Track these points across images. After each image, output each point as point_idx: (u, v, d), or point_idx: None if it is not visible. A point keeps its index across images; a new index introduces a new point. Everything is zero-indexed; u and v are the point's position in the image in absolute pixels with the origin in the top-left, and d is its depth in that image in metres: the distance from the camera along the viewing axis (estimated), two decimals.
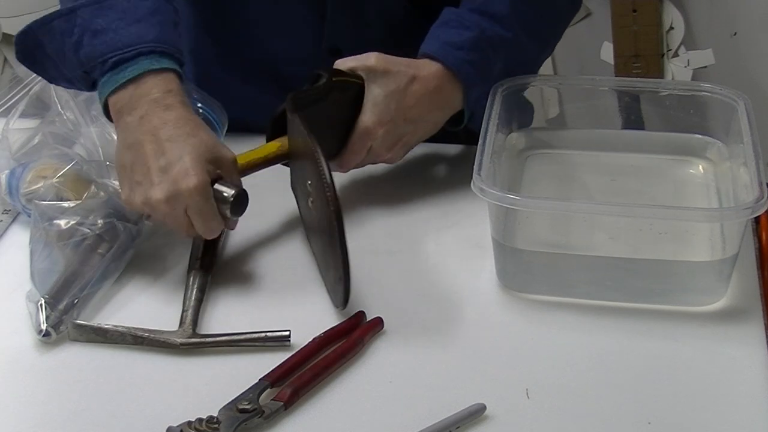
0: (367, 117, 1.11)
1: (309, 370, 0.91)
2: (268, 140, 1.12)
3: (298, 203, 1.14)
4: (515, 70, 1.18)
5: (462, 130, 1.19)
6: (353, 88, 1.11)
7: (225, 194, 1.02)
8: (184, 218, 1.01)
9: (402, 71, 1.12)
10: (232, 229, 1.07)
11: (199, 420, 0.86)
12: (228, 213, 1.02)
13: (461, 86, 1.14)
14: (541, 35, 1.22)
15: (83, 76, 1.07)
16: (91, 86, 1.08)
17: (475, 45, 1.14)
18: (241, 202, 1.03)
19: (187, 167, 0.99)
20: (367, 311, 0.99)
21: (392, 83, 1.11)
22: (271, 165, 1.11)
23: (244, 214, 1.07)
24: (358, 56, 1.12)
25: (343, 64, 1.13)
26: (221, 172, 1.02)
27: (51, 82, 1.14)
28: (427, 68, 1.13)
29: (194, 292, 1.02)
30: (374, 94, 1.11)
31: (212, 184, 1.01)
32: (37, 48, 1.09)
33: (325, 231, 1.01)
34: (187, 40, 1.29)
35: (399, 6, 1.21)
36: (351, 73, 1.12)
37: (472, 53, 1.13)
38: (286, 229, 1.13)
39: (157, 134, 1.01)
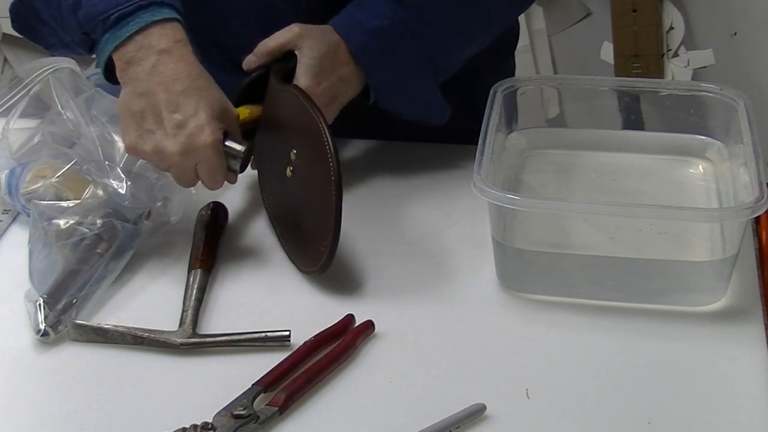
0: (303, 79, 1.11)
1: (303, 374, 0.91)
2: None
3: (260, 172, 1.16)
4: (439, 59, 1.18)
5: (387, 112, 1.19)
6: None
7: (236, 149, 1.05)
8: (192, 171, 1.04)
9: (328, 35, 1.13)
10: (233, 183, 1.09)
11: (194, 426, 0.86)
12: (237, 168, 1.06)
13: (360, 68, 1.14)
14: (466, 28, 1.21)
15: (83, 38, 1.08)
16: (90, 49, 1.09)
17: (381, 32, 1.14)
18: (249, 157, 1.07)
19: (203, 124, 1.02)
20: (365, 311, 0.99)
21: (323, 44, 1.12)
22: (248, 128, 1.12)
23: (244, 213, 1.07)
24: (279, 32, 1.13)
25: (266, 43, 1.13)
26: (228, 128, 1.05)
27: (48, 50, 1.15)
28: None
29: (194, 292, 1.02)
30: (306, 56, 1.12)
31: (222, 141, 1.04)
32: (33, 15, 1.10)
33: (311, 200, 1.05)
34: None
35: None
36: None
37: (376, 40, 1.14)
38: None
39: (171, 86, 1.02)
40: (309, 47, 1.12)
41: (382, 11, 1.15)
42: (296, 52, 1.12)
